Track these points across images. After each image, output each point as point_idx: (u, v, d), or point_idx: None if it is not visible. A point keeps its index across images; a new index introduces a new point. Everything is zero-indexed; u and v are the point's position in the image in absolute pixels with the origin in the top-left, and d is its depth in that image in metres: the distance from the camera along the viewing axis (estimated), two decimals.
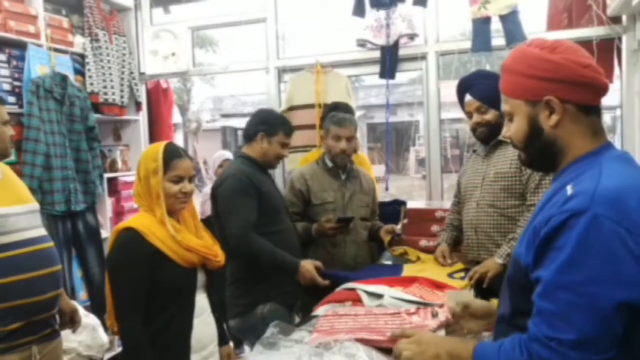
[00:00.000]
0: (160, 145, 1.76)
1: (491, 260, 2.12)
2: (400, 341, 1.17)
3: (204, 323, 1.81)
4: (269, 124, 2.39)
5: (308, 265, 2.22)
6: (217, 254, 1.82)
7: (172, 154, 1.74)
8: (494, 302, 1.46)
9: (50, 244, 1.95)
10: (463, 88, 2.32)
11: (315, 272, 2.21)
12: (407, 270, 2.28)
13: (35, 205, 1.97)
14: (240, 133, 22.22)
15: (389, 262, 2.59)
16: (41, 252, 1.88)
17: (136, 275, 1.63)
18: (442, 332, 1.41)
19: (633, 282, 0.90)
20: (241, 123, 21.20)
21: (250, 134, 2.42)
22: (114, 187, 3.88)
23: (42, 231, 1.95)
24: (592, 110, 1.07)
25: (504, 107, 1.15)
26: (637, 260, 0.91)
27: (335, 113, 2.73)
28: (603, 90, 1.07)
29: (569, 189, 1.00)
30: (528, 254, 1.03)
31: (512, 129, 1.13)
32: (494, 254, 2.14)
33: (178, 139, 16.12)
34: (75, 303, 2.18)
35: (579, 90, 1.05)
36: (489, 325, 1.37)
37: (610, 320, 0.91)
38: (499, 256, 2.11)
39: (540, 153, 1.11)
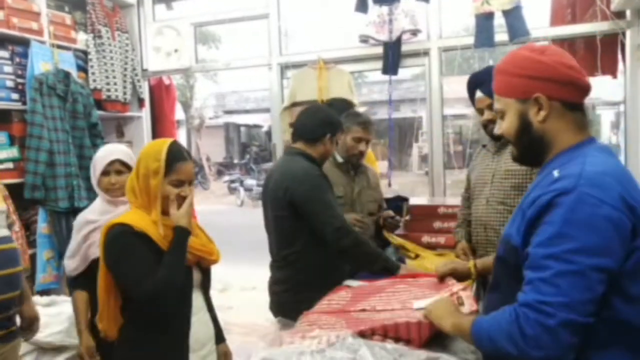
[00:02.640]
0: (164, 145, 1.69)
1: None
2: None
3: (200, 322, 1.78)
4: (333, 125, 2.34)
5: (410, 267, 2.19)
6: (212, 252, 1.79)
7: (175, 156, 1.68)
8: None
9: (12, 244, 1.97)
10: (474, 84, 2.30)
11: None
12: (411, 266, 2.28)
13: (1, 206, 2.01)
14: (243, 129, 22.26)
15: (391, 258, 2.59)
16: (1, 253, 1.86)
17: (139, 255, 1.60)
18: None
19: (614, 251, 1.01)
20: (244, 119, 21.30)
21: (317, 135, 2.31)
22: None
23: (4, 232, 1.95)
24: (577, 108, 1.18)
25: (496, 106, 1.25)
26: (618, 231, 1.02)
27: (357, 112, 2.72)
28: (586, 89, 1.19)
29: (555, 173, 1.11)
30: (518, 234, 1.13)
31: (504, 126, 1.23)
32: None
33: (181, 136, 16.14)
34: (39, 311, 2.21)
35: (564, 89, 1.16)
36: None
37: (595, 285, 1.00)
38: None
39: (529, 147, 1.21)
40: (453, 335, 1.25)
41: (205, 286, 1.85)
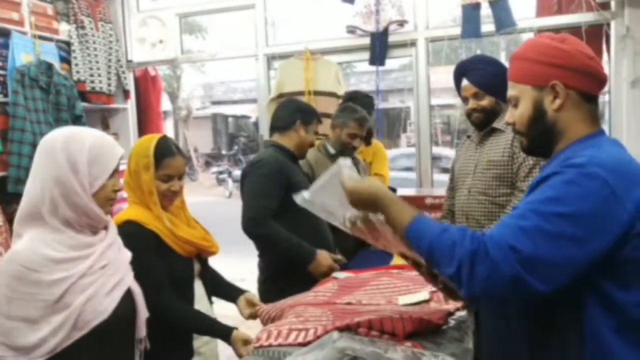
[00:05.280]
0: (153, 141, 1.71)
1: None
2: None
3: (203, 309, 1.82)
4: (305, 113, 2.36)
5: (325, 254, 2.15)
6: (212, 244, 1.84)
7: (163, 152, 1.70)
8: None
9: None
10: (460, 72, 2.29)
11: (333, 262, 2.14)
12: (397, 258, 2.29)
13: None
14: (230, 120, 22.12)
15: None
16: None
17: (151, 260, 1.63)
18: (460, 314, 1.42)
19: (602, 235, 0.98)
20: (232, 110, 21.15)
21: (286, 123, 2.34)
22: None
23: None
24: (592, 100, 1.16)
25: (511, 92, 1.22)
26: (612, 220, 0.99)
27: (355, 107, 2.73)
28: (603, 81, 1.17)
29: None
30: None
31: (517, 113, 1.20)
32: None
33: (168, 127, 16.00)
34: None
35: (582, 79, 1.13)
36: None
37: (571, 255, 0.97)
38: None
39: (541, 136, 1.17)
40: (370, 202, 1.15)
41: (205, 276, 1.89)
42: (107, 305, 1.31)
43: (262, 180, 2.19)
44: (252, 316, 1.80)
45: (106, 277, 1.33)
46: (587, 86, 1.14)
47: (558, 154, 1.16)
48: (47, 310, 1.21)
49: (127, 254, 1.47)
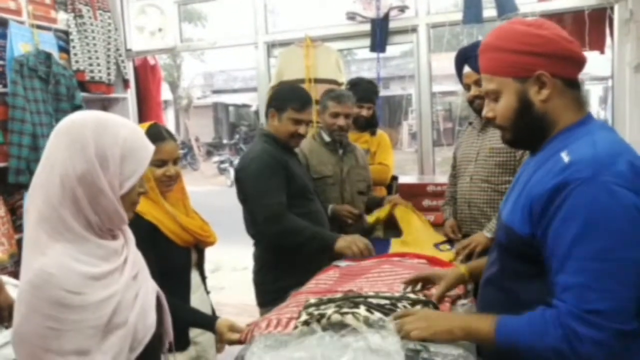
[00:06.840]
0: (143, 128, 1.69)
1: (480, 235, 2.13)
2: (402, 320, 1.13)
3: (200, 299, 1.84)
4: (278, 99, 2.27)
5: (347, 237, 2.08)
6: (210, 235, 1.83)
7: (154, 137, 1.63)
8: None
9: None
10: (462, 59, 2.27)
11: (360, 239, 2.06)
12: (395, 246, 2.29)
13: None
14: (231, 109, 22.07)
15: (379, 234, 2.60)
16: None
17: (145, 253, 1.61)
18: (463, 302, 1.43)
19: None
20: (232, 99, 21.07)
21: (266, 111, 2.32)
22: None
23: None
24: (575, 84, 1.11)
25: (488, 86, 1.14)
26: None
27: (332, 90, 2.70)
28: (583, 64, 1.11)
29: (565, 156, 1.02)
30: (524, 223, 1.05)
31: (499, 107, 1.13)
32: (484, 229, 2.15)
33: (169, 117, 15.97)
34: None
35: (566, 65, 1.08)
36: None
37: (635, 281, 0.92)
38: (487, 230, 2.12)
39: (529, 129, 1.12)
40: (459, 339, 1.09)
41: (201, 266, 1.90)
42: (152, 318, 1.21)
43: (261, 178, 2.15)
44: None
45: (143, 286, 1.22)
46: (570, 72, 1.10)
47: (546, 144, 1.11)
48: (98, 337, 1.06)
49: (139, 253, 1.33)
